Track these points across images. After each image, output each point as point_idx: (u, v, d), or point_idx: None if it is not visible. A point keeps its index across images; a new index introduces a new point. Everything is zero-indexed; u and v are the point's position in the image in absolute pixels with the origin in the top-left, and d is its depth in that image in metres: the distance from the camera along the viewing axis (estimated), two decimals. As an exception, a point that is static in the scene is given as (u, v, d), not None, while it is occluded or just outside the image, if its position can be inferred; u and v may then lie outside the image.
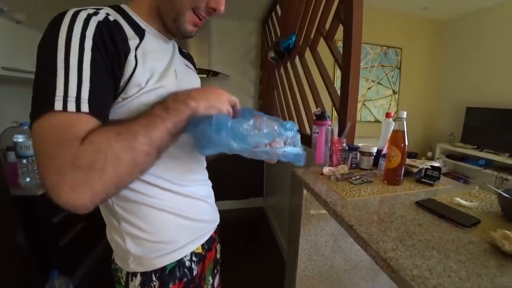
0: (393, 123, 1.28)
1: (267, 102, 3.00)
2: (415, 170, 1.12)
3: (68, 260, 1.92)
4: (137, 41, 0.57)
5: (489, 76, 3.59)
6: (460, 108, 3.85)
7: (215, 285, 0.91)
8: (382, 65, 3.91)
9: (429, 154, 4.11)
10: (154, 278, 0.65)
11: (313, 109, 1.43)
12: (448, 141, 3.96)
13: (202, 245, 0.77)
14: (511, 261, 0.59)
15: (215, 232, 0.86)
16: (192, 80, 0.79)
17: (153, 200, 0.64)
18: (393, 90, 4.04)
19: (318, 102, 1.64)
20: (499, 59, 3.46)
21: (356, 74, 1.21)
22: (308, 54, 1.87)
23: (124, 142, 0.46)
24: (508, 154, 3.16)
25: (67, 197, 0.41)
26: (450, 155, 3.84)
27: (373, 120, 3.95)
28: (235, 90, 3.47)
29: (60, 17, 0.49)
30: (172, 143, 0.55)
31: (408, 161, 1.20)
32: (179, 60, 0.74)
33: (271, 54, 2.53)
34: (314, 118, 1.16)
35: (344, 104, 1.25)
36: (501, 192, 0.83)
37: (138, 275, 0.65)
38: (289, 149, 0.64)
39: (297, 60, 2.08)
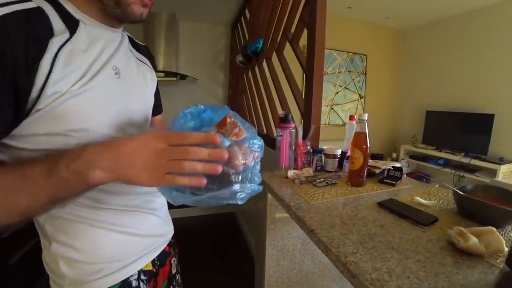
0: (356, 125, 1.30)
1: (236, 106, 2.98)
2: (377, 171, 1.14)
3: (19, 279, 1.75)
4: (66, 36, 0.47)
5: (446, 81, 3.83)
6: (421, 111, 4.06)
7: None
8: (349, 71, 4.03)
9: (394, 155, 4.28)
10: None
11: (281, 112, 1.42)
12: (411, 143, 4.15)
13: (153, 261, 0.69)
14: (467, 257, 0.60)
15: (169, 245, 0.78)
16: (144, 77, 0.69)
17: (89, 216, 0.55)
18: (359, 95, 4.17)
19: (284, 105, 1.64)
20: (455, 66, 3.70)
21: (320, 76, 1.22)
22: (275, 58, 1.87)
23: None
24: (463, 153, 3.36)
25: None
26: (413, 156, 4.03)
27: (341, 124, 4.05)
28: (204, 94, 3.41)
29: None
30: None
31: (371, 162, 1.22)
32: (127, 55, 0.64)
33: (239, 57, 2.51)
34: (278, 121, 1.15)
35: (308, 107, 1.25)
36: (456, 190, 0.85)
37: None
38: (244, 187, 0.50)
39: (265, 64, 2.08)
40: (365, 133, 1.00)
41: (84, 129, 0.49)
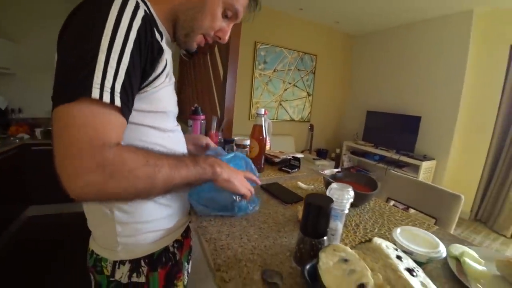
0: (268, 119, 1.45)
1: (181, 98, 3.03)
2: (277, 160, 1.28)
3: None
4: (162, 39, 0.59)
5: (385, 85, 4.19)
6: (363, 111, 4.39)
7: (189, 270, 0.93)
8: (298, 69, 4.23)
9: (337, 150, 4.60)
10: (143, 264, 0.66)
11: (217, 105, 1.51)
12: (353, 140, 4.47)
13: (182, 233, 0.79)
14: (302, 226, 0.75)
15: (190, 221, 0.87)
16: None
17: None
18: (307, 93, 4.40)
19: (211, 99, 1.74)
20: (392, 72, 4.09)
21: (233, 71, 1.33)
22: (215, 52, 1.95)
23: (149, 170, 0.48)
24: (395, 150, 3.71)
25: (77, 190, 0.42)
26: (354, 152, 4.35)
27: (288, 119, 4.26)
28: None
29: None
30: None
31: (277, 152, 1.37)
32: None
33: (183, 51, 2.57)
34: (190, 113, 1.25)
35: (223, 100, 1.36)
36: (324, 175, 1.02)
37: (127, 262, 0.64)
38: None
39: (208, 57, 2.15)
40: (261, 125, 1.14)
41: (168, 111, 0.64)
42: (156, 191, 0.51)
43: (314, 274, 0.47)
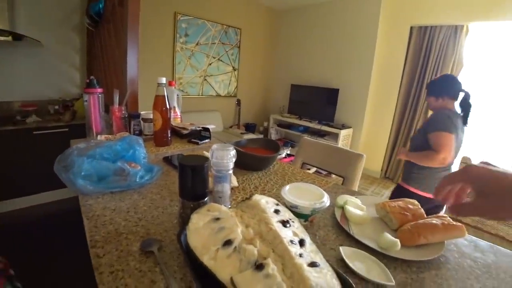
0: (176, 91, 1.38)
1: (90, 74, 2.74)
2: (185, 132, 1.25)
3: None
4: None
5: (307, 60, 4.37)
6: (287, 84, 4.54)
7: None
8: (222, 43, 4.12)
9: (265, 124, 4.72)
10: None
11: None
12: (279, 113, 4.63)
13: None
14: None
15: None
16: None
17: None
18: (233, 67, 4.35)
19: (117, 72, 1.59)
20: (314, 47, 4.26)
21: (134, 39, 1.22)
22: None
23: None
24: (317, 121, 3.96)
25: None
26: (280, 124, 4.53)
27: (214, 95, 4.18)
28: (55, 60, 2.92)
29: None
30: None
31: (186, 124, 1.33)
32: None
33: (86, 19, 2.28)
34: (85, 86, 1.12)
35: (124, 72, 1.25)
36: (226, 142, 1.02)
37: None
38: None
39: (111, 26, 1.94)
40: (164, 95, 1.07)
41: None
42: None
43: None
